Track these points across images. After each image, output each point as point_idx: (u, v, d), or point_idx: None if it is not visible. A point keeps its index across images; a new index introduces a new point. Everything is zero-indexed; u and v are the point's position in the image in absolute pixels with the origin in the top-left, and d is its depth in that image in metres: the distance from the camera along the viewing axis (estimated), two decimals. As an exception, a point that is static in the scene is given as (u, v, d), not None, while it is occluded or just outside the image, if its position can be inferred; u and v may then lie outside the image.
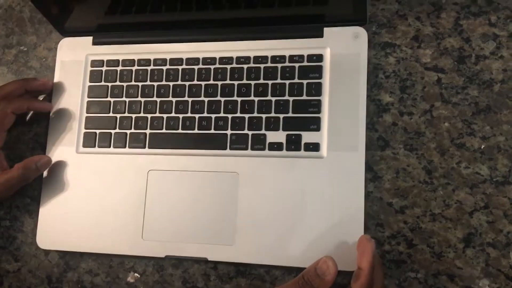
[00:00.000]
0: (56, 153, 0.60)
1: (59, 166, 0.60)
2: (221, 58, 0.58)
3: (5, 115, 0.58)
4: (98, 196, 0.58)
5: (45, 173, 0.60)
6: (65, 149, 0.60)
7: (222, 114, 0.57)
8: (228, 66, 0.58)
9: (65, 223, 0.58)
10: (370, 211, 0.53)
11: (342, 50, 0.55)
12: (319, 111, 0.55)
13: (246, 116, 0.56)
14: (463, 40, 0.55)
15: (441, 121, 0.53)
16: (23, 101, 0.60)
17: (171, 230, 0.56)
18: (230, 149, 0.56)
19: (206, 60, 0.59)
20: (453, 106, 0.53)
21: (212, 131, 0.57)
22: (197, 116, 0.58)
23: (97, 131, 0.60)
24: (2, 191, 0.57)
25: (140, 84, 0.60)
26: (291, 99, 0.56)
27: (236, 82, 0.57)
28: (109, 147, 0.59)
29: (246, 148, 0.56)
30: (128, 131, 0.59)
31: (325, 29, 0.56)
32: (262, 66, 0.57)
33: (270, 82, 0.57)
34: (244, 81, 0.57)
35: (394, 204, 0.53)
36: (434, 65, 0.55)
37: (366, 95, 0.54)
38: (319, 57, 0.56)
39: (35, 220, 0.60)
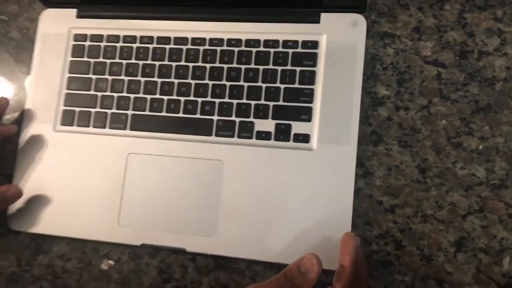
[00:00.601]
0: (32, 130, 0.57)
1: (35, 143, 0.57)
2: (211, 39, 0.55)
3: None
4: (75, 177, 0.55)
5: (19, 150, 0.57)
6: (42, 126, 0.57)
7: (209, 99, 0.54)
8: (218, 48, 0.55)
9: (38, 204, 0.55)
10: (359, 208, 0.51)
11: (339, 37, 0.52)
12: (311, 101, 0.52)
13: (235, 102, 0.53)
14: (466, 34, 0.52)
15: (439, 118, 0.51)
16: None
17: (149, 217, 0.53)
18: (216, 135, 0.53)
19: (195, 41, 0.56)
20: (452, 103, 0.51)
21: (198, 115, 0.54)
22: (182, 99, 0.54)
23: (77, 109, 0.57)
24: None
25: (124, 62, 0.57)
26: (282, 86, 0.53)
27: (225, 66, 0.54)
28: (89, 126, 0.56)
29: (232, 136, 0.53)
30: (109, 111, 0.56)
31: (322, 14, 0.53)
32: (254, 50, 0.54)
33: (261, 67, 0.53)
34: (234, 65, 0.54)
35: (385, 202, 0.50)
36: (434, 59, 0.52)
37: (362, 87, 0.51)
38: (314, 44, 0.53)
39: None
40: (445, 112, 0.51)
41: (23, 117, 0.57)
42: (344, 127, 0.50)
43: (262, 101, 0.53)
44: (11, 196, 0.53)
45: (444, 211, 0.49)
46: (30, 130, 0.57)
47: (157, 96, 0.55)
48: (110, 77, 0.57)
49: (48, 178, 0.56)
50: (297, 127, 0.52)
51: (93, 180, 0.55)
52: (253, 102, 0.53)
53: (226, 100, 0.54)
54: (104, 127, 0.56)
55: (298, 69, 0.53)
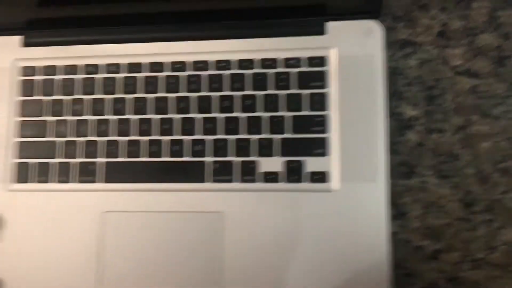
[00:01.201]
0: (-22, 191, 0.46)
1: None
2: (195, 62, 0.45)
3: None
4: (37, 247, 0.44)
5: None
6: (-11, 185, 0.46)
7: (199, 136, 0.44)
8: (204, 73, 0.45)
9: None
10: (396, 257, 0.42)
11: (352, 50, 0.43)
12: (325, 130, 0.43)
13: (231, 138, 0.44)
14: (501, 36, 0.44)
15: (480, 140, 0.43)
16: None
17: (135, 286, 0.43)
18: (212, 181, 0.43)
19: (175, 66, 0.45)
20: (494, 120, 0.43)
21: (187, 158, 0.44)
22: (166, 138, 0.44)
23: (32, 161, 0.45)
24: None
25: (88, 97, 0.46)
26: (288, 114, 0.43)
27: (215, 94, 0.44)
28: (50, 181, 0.45)
29: (232, 180, 0.43)
30: (74, 161, 0.45)
31: (330, 23, 0.44)
32: (248, 72, 0.44)
33: (259, 93, 0.44)
34: (226, 92, 0.44)
35: (426, 247, 0.42)
36: (466, 69, 0.44)
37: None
38: (322, 60, 0.44)
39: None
40: (487, 132, 0.43)
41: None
42: (368, 160, 0.41)
43: (265, 135, 0.43)
44: None
45: (497, 253, 0.41)
46: (-26, 191, 0.46)
47: (134, 137, 0.45)
48: (71, 118, 0.46)
49: (5, 250, 0.45)
50: (312, 163, 0.42)
51: (62, 248, 0.44)
52: (254, 137, 0.43)
53: (220, 136, 0.44)
54: (70, 181, 0.45)
55: (305, 92, 0.43)
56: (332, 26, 0.44)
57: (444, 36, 0.45)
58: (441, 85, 0.44)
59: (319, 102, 0.43)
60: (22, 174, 0.45)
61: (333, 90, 0.43)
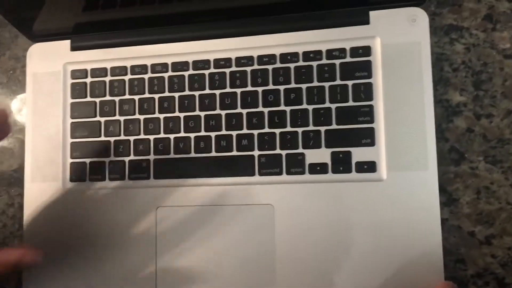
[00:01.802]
0: (37, 191, 0.48)
1: (42, 207, 0.47)
2: (238, 59, 0.46)
3: None
4: (94, 245, 0.46)
5: (25, 217, 0.47)
6: (47, 185, 0.48)
7: (245, 131, 0.45)
8: (248, 68, 0.46)
9: (55, 274, 0.46)
10: (446, 244, 0.42)
11: (396, 39, 0.43)
12: (372, 120, 0.43)
13: (277, 131, 0.44)
14: (551, 16, 0.43)
15: (531, 124, 0.42)
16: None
17: (192, 281, 0.44)
18: (260, 174, 0.44)
19: (219, 62, 0.46)
20: (545, 103, 0.42)
21: (234, 152, 0.45)
22: (213, 134, 0.45)
23: (87, 160, 0.48)
24: None
25: (136, 97, 0.47)
26: (333, 106, 0.44)
27: (260, 88, 0.45)
28: (104, 179, 0.47)
29: (280, 173, 0.44)
30: (126, 159, 0.47)
31: (371, 13, 0.44)
32: (292, 65, 0.45)
33: (304, 85, 0.44)
34: (271, 87, 0.45)
35: (478, 233, 0.42)
36: (515, 52, 0.43)
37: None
38: (367, 50, 0.44)
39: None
40: (538, 115, 0.42)
41: (23, 176, 0.48)
42: (418, 148, 0.42)
43: (311, 127, 0.44)
44: (28, 265, 0.39)
45: (553, 237, 0.41)
46: (34, 192, 0.48)
47: (182, 134, 0.46)
48: (122, 118, 0.47)
49: (63, 246, 0.47)
50: (359, 154, 0.43)
51: (119, 244, 0.46)
52: (300, 130, 0.44)
53: (267, 130, 0.45)
54: (122, 179, 0.47)
55: (350, 83, 0.44)
56: (375, 15, 0.44)
57: (491, 19, 0.44)
58: (489, 69, 0.43)
59: (365, 92, 0.43)
60: (78, 173, 0.48)
61: (378, 79, 0.43)
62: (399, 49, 0.43)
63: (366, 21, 0.44)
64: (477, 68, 0.43)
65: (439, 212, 0.41)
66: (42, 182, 0.48)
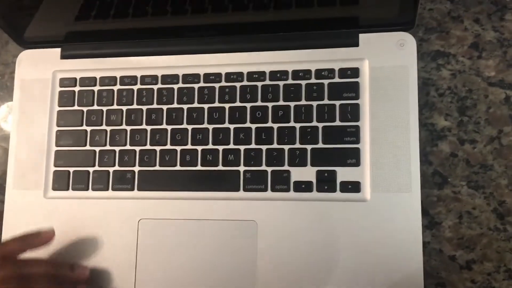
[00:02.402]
0: (18, 198, 0.48)
1: (23, 215, 0.47)
2: (228, 74, 0.47)
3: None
4: (74, 255, 0.46)
5: (4, 225, 0.47)
6: (30, 193, 0.48)
7: (232, 146, 0.45)
8: (238, 84, 0.46)
9: None
10: (427, 267, 0.42)
11: (384, 62, 0.44)
12: (358, 141, 0.43)
13: (264, 147, 0.45)
14: (535, 47, 0.44)
15: (513, 151, 0.43)
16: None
17: (172, 296, 0.44)
18: (245, 190, 0.45)
19: (209, 77, 0.47)
20: (527, 131, 0.43)
21: (220, 167, 0.45)
22: (199, 148, 0.46)
23: (71, 169, 0.47)
24: None
25: (124, 108, 0.48)
26: (320, 125, 0.44)
27: (248, 105, 0.46)
28: (87, 189, 0.47)
29: (265, 189, 0.44)
30: (111, 169, 0.47)
31: (361, 35, 0.45)
32: (281, 83, 0.46)
33: (292, 103, 0.45)
34: (259, 103, 0.46)
35: (458, 257, 0.42)
36: (500, 80, 0.44)
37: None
38: (355, 72, 0.44)
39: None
40: (520, 142, 0.43)
41: (6, 183, 0.48)
42: (402, 170, 0.42)
43: (298, 145, 0.44)
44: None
45: (532, 264, 0.41)
46: (16, 199, 0.47)
47: (168, 147, 0.46)
48: (108, 128, 0.48)
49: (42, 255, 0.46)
50: (344, 173, 0.43)
51: (99, 256, 0.45)
52: (286, 147, 0.44)
53: (253, 146, 0.45)
54: (106, 189, 0.47)
55: (337, 103, 0.44)
56: (365, 38, 0.45)
57: (477, 47, 0.45)
58: (474, 96, 0.44)
59: (352, 113, 0.44)
60: (61, 182, 0.47)
61: (365, 101, 0.44)
62: (386, 72, 0.44)
63: (355, 43, 0.45)
64: (462, 94, 0.44)
65: (421, 235, 0.41)
66: (24, 190, 0.48)
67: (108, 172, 0.47)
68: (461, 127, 0.44)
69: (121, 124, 0.48)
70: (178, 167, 0.46)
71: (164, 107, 0.47)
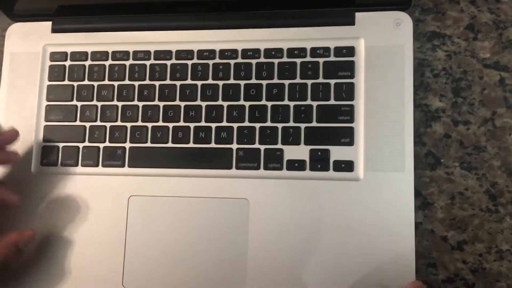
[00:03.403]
0: (7, 174, 0.47)
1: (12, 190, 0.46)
2: (222, 51, 0.46)
3: None
4: (63, 231, 0.45)
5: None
6: (17, 167, 0.47)
7: (225, 123, 0.45)
8: (232, 61, 0.46)
9: (18, 266, 0.45)
10: (419, 247, 0.43)
11: (380, 41, 0.44)
12: (352, 120, 0.43)
13: (257, 125, 0.44)
14: (530, 30, 0.44)
15: (506, 132, 0.43)
16: None
17: (161, 274, 0.44)
18: (237, 168, 0.44)
19: (203, 53, 0.46)
20: (521, 113, 0.43)
21: (213, 145, 0.45)
22: (192, 125, 0.45)
23: (60, 145, 0.47)
24: None
25: (116, 83, 0.47)
26: (314, 104, 0.44)
27: (242, 82, 0.45)
28: (76, 165, 0.46)
29: (257, 167, 0.44)
30: (101, 145, 0.46)
31: (357, 14, 0.45)
32: (276, 61, 0.45)
33: (287, 82, 0.45)
34: (253, 81, 0.45)
35: (450, 238, 0.43)
36: (495, 62, 0.44)
37: (412, 99, 0.43)
38: (350, 50, 0.44)
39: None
40: (514, 124, 0.43)
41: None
42: (396, 150, 0.42)
43: (291, 123, 0.44)
44: (25, 242, 0.43)
45: (523, 245, 0.42)
46: (4, 174, 0.47)
47: (160, 123, 0.46)
48: (99, 103, 0.47)
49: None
50: (337, 152, 0.43)
51: (87, 233, 0.45)
52: (280, 125, 0.44)
53: (246, 124, 0.45)
54: (96, 165, 0.46)
55: (332, 81, 0.44)
56: (361, 16, 0.45)
57: (473, 29, 0.45)
58: (469, 77, 0.44)
59: (347, 92, 0.44)
60: (50, 157, 0.47)
61: (360, 80, 0.44)
62: (382, 51, 0.44)
63: (351, 22, 0.45)
64: (457, 76, 0.45)
65: (414, 215, 0.41)
66: (12, 164, 0.47)
67: (98, 148, 0.46)
68: (455, 108, 0.44)
69: (112, 100, 0.47)
70: (170, 144, 0.46)
71: (157, 83, 0.47)
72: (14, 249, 0.42)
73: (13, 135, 0.44)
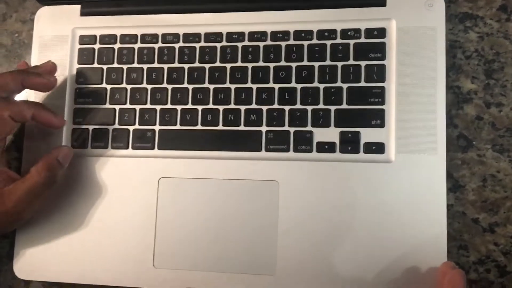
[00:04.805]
0: (36, 155, 0.47)
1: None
2: (251, 33, 0.46)
3: (1, 121, 0.43)
4: (94, 213, 0.46)
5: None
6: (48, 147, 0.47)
7: (254, 106, 0.45)
8: (261, 44, 0.46)
9: (49, 247, 0.46)
10: (450, 229, 0.43)
11: (412, 23, 0.44)
12: (383, 102, 0.43)
13: (286, 108, 0.45)
14: None
15: (540, 115, 0.43)
16: (27, 107, 0.44)
17: (191, 255, 0.44)
18: (267, 150, 0.45)
19: (232, 36, 0.47)
20: (555, 95, 0.43)
21: (242, 127, 0.45)
22: (221, 108, 0.46)
23: (90, 127, 0.47)
24: (25, 208, 0.43)
25: (145, 66, 0.47)
26: (345, 86, 0.44)
27: (272, 64, 0.46)
28: (107, 147, 0.47)
29: (287, 150, 0.44)
30: (131, 127, 0.47)
31: (389, -5, 0.45)
32: (306, 43, 0.45)
33: (317, 64, 0.45)
34: (283, 63, 0.45)
35: (481, 220, 0.43)
36: (528, 43, 0.44)
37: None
38: (382, 32, 0.44)
39: (11, 241, 0.47)
40: (547, 106, 0.43)
41: (24, 139, 0.48)
42: (428, 132, 0.42)
43: (321, 106, 0.44)
44: (64, 157, 0.45)
45: (556, 228, 0.41)
46: (34, 155, 0.47)
47: (189, 106, 0.46)
48: (128, 86, 0.47)
49: (60, 214, 0.46)
50: (368, 134, 0.43)
51: (118, 214, 0.46)
52: (310, 107, 0.44)
53: (276, 106, 0.45)
54: (126, 147, 0.47)
55: (363, 63, 0.44)
56: (392, -3, 0.45)
57: (506, 10, 0.45)
58: (502, 59, 0.44)
59: (378, 73, 0.44)
60: (80, 140, 0.47)
61: (392, 62, 0.44)
62: (414, 33, 0.44)
63: (382, 3, 0.45)
64: (490, 57, 0.44)
65: (446, 197, 0.41)
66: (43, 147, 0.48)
67: (128, 130, 0.47)
68: (487, 90, 0.44)
69: (141, 83, 0.47)
70: (199, 127, 0.46)
71: (186, 66, 0.47)
72: (54, 163, 0.44)
73: (52, 65, 0.47)
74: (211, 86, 0.46)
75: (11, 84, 0.43)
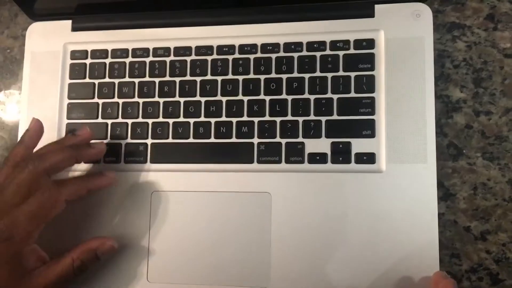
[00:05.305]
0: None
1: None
2: (241, 46, 0.47)
3: (56, 203, 0.40)
4: (86, 228, 0.46)
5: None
6: (40, 165, 0.48)
7: (245, 118, 0.45)
8: (252, 56, 0.46)
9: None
10: (442, 238, 0.43)
11: (400, 33, 0.44)
12: (373, 112, 0.44)
13: (278, 119, 0.45)
14: (551, 19, 0.44)
15: (529, 122, 0.43)
16: (81, 183, 0.43)
17: (185, 269, 0.44)
18: (259, 162, 0.45)
19: (222, 49, 0.47)
20: (543, 102, 0.43)
21: (234, 139, 0.45)
22: (213, 120, 0.46)
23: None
24: None
25: (136, 80, 0.48)
26: (335, 97, 0.44)
27: (262, 76, 0.46)
28: (99, 162, 0.47)
29: (279, 161, 0.44)
30: (123, 142, 0.47)
31: (377, 6, 0.45)
32: (295, 55, 0.46)
33: (307, 75, 0.45)
34: (273, 75, 0.46)
35: (473, 228, 0.43)
36: (515, 51, 0.44)
37: (432, 91, 0.43)
38: (370, 43, 0.45)
39: None
40: (536, 114, 0.43)
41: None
42: (418, 141, 0.42)
43: (312, 117, 0.45)
44: (105, 252, 0.43)
45: (547, 234, 0.42)
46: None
47: (181, 119, 0.46)
48: (120, 100, 0.48)
49: (54, 229, 0.46)
50: (359, 145, 0.44)
51: (111, 228, 0.46)
52: (300, 119, 0.45)
53: (267, 118, 0.45)
54: (118, 162, 0.47)
55: (352, 74, 0.44)
56: (380, 8, 0.45)
57: (493, 19, 0.45)
58: (490, 67, 0.44)
59: (367, 84, 0.44)
60: (73, 155, 0.48)
61: (381, 72, 0.44)
62: (402, 43, 0.44)
63: (371, 14, 0.45)
64: (478, 66, 0.45)
65: (437, 205, 0.41)
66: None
67: (120, 144, 0.47)
68: (476, 98, 0.44)
69: (133, 97, 0.48)
70: (191, 140, 0.46)
71: (177, 79, 0.47)
72: (92, 255, 0.42)
73: (90, 133, 0.44)
74: (203, 99, 0.47)
75: (67, 163, 0.42)
